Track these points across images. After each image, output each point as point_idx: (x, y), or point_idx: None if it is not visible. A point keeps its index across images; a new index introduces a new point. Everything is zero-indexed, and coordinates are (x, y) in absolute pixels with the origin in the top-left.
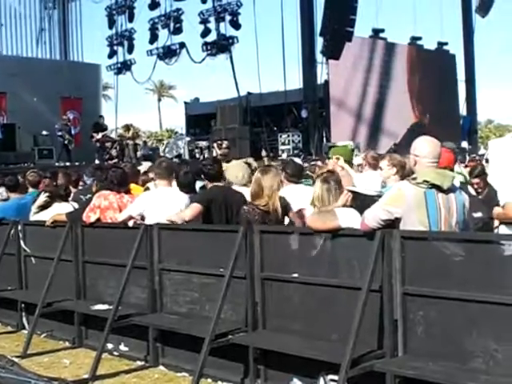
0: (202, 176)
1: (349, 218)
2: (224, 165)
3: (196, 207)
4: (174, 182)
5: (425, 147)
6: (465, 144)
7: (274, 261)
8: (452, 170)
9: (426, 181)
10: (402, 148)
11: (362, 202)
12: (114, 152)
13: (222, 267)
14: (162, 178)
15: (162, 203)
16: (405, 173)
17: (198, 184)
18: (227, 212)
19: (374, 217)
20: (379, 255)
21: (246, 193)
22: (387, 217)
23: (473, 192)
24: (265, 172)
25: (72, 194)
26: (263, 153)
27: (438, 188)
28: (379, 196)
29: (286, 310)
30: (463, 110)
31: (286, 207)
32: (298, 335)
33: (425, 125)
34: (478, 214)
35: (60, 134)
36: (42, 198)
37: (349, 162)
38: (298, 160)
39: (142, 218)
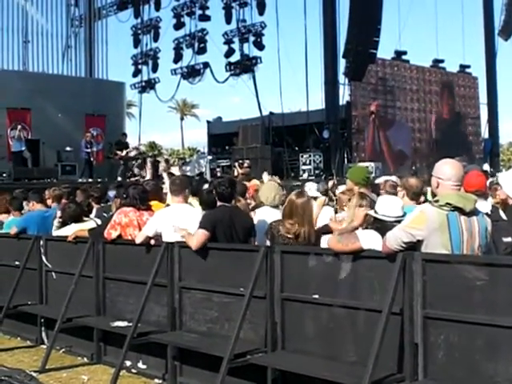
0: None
1: (370, 240)
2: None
3: (202, 235)
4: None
5: (448, 170)
6: (486, 167)
7: (295, 281)
8: (484, 193)
9: (448, 203)
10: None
11: (383, 224)
12: (136, 170)
13: (242, 287)
14: (176, 195)
15: (177, 220)
16: (412, 195)
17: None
18: (232, 233)
19: (395, 239)
20: (400, 278)
21: (276, 215)
22: (409, 239)
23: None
24: (300, 195)
25: (95, 211)
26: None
27: (461, 211)
28: (398, 221)
29: (305, 331)
30: (485, 132)
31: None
32: (317, 357)
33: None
34: (508, 239)
35: (85, 151)
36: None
37: (362, 181)
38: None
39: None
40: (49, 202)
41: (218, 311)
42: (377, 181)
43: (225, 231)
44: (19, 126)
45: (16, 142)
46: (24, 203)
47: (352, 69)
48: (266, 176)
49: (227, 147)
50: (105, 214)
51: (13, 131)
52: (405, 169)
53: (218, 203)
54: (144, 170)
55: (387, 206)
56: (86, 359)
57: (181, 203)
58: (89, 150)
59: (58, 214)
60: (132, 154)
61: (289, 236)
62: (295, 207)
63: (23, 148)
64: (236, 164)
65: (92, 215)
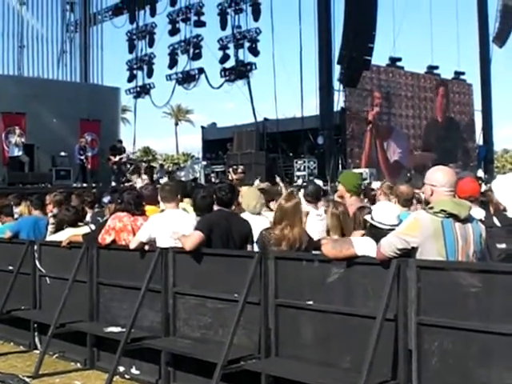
0: (214, 197)
1: (365, 247)
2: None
3: (197, 236)
4: (181, 203)
5: (442, 177)
6: (481, 173)
7: (289, 287)
8: (476, 199)
9: (443, 210)
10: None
11: (378, 230)
12: (130, 175)
13: (237, 292)
14: (167, 201)
15: (170, 226)
16: (403, 202)
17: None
18: (228, 239)
19: (390, 245)
20: (394, 284)
21: (259, 221)
22: (403, 246)
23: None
24: (288, 199)
25: (90, 216)
26: (277, 179)
27: (455, 217)
28: (392, 229)
29: (299, 337)
30: (479, 139)
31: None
32: (311, 363)
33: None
34: (502, 246)
35: (80, 156)
36: (51, 222)
37: (354, 188)
38: (318, 182)
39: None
40: (49, 207)
41: (212, 317)
42: (373, 185)
43: (221, 235)
44: (18, 131)
45: (13, 147)
46: (15, 208)
47: (346, 75)
48: (257, 183)
49: (221, 153)
50: (99, 219)
51: (11, 136)
52: (401, 178)
53: (216, 207)
54: (139, 177)
55: (383, 213)
56: (79, 365)
57: (173, 209)
58: (82, 157)
59: (51, 220)
60: (125, 159)
61: (278, 242)
62: (285, 211)
63: (20, 153)
64: (230, 170)
65: (86, 220)
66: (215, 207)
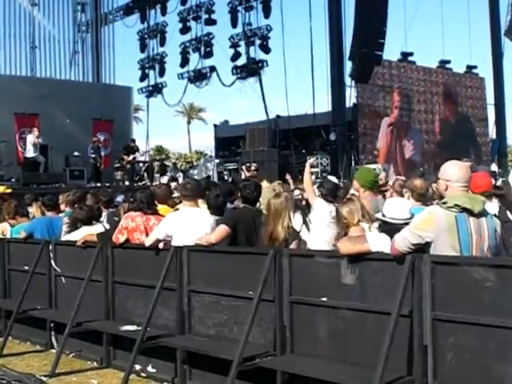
0: (239, 195)
1: (379, 242)
2: None
3: (223, 229)
4: (200, 201)
5: (456, 172)
6: (494, 167)
7: (303, 284)
8: (491, 193)
9: (456, 205)
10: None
11: (391, 226)
12: (144, 174)
13: (251, 290)
14: (188, 200)
15: (188, 224)
16: (417, 196)
17: (229, 206)
18: (252, 235)
19: (404, 241)
20: (409, 280)
21: None
22: (417, 241)
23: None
24: (275, 198)
25: (105, 215)
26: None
27: (469, 212)
28: (406, 224)
29: (314, 334)
30: (493, 133)
31: (289, 237)
32: (326, 360)
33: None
34: None
35: (93, 156)
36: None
37: (368, 184)
38: (333, 178)
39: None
40: (62, 206)
41: (227, 314)
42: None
43: (245, 229)
44: (36, 133)
45: (31, 147)
46: (29, 208)
47: (358, 71)
48: (264, 183)
49: (234, 150)
50: (115, 219)
51: (29, 136)
52: (414, 174)
53: (242, 205)
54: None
55: (395, 208)
56: (95, 363)
57: (193, 207)
58: (94, 156)
59: (65, 220)
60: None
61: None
62: (270, 208)
63: (36, 153)
64: (243, 167)
65: (102, 219)
66: (241, 204)
